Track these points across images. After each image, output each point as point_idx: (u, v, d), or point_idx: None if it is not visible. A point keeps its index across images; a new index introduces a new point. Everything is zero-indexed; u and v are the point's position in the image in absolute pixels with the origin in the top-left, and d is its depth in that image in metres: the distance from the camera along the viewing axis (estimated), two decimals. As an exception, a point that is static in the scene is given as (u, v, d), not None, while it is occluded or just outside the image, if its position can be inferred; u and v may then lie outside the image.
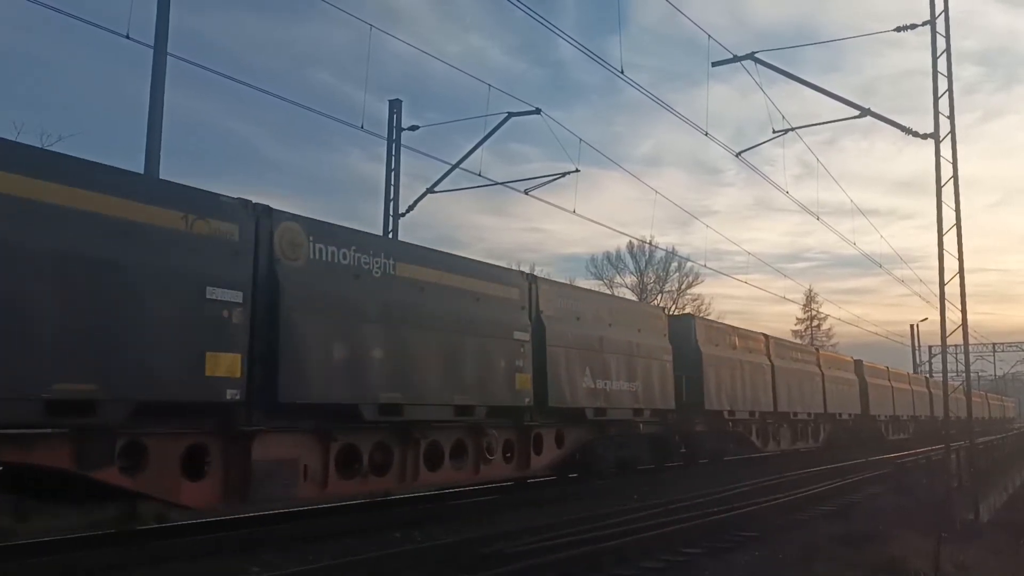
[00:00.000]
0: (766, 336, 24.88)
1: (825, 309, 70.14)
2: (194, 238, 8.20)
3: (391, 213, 20.62)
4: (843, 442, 29.84)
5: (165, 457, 8.03)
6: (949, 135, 13.85)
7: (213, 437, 8.49)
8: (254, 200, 9.04)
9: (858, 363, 33.61)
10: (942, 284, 13.85)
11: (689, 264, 55.51)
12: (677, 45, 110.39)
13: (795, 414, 25.30)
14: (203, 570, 7.84)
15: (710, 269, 54.50)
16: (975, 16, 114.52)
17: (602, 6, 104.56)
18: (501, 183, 20.94)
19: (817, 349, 31.96)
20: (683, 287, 58.38)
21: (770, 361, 23.88)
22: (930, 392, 43.52)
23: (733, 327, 22.76)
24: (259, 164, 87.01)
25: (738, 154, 18.43)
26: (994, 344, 72.12)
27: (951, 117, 13.87)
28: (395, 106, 20.86)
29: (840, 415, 29.81)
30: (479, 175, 19.25)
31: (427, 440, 11.14)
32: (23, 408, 6.78)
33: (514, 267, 18.22)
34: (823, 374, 28.35)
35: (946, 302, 13.91)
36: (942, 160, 13.76)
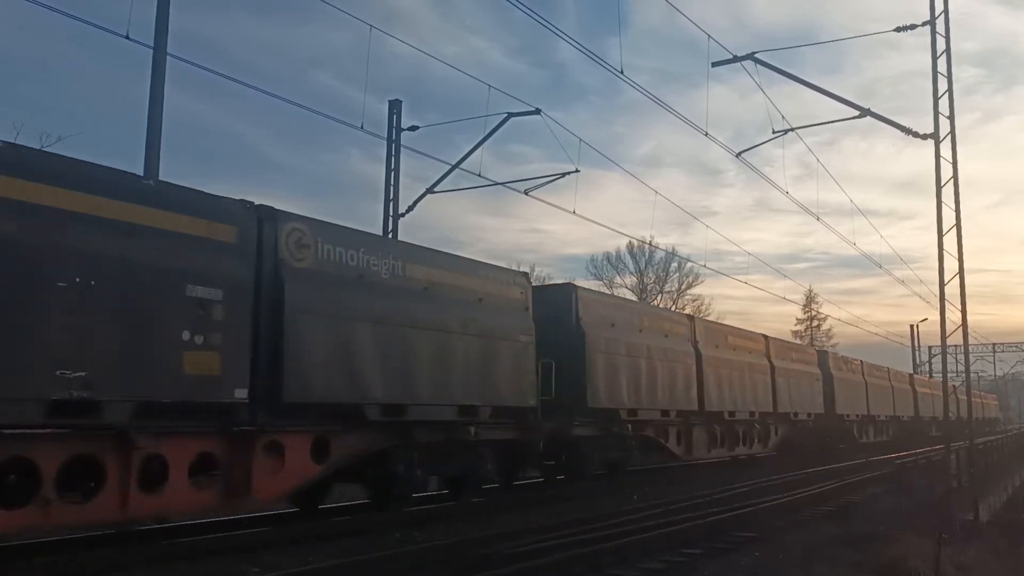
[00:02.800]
0: (691, 317, 20.95)
1: (825, 309, 69.90)
2: None
3: (391, 213, 20.58)
4: (801, 446, 25.74)
5: None
6: (949, 136, 13.91)
7: None
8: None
9: (822, 354, 30.13)
10: (942, 284, 13.88)
11: (689, 264, 55.15)
12: (677, 46, 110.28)
13: (731, 414, 20.71)
14: (203, 570, 7.84)
15: (710, 270, 54.41)
16: (975, 17, 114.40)
17: (602, 7, 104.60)
18: (501, 183, 20.94)
19: (765, 337, 24.89)
20: (683, 287, 58.15)
21: (695, 348, 19.10)
22: (914, 390, 41.07)
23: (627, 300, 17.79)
24: (260, 164, 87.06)
25: (738, 154, 18.49)
26: (994, 344, 72.11)
27: (951, 118, 13.92)
28: (395, 106, 20.83)
29: (796, 415, 25.36)
30: (479, 175, 19.25)
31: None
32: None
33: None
34: (773, 366, 23.72)
35: (946, 302, 13.96)
36: (942, 161, 13.80)
